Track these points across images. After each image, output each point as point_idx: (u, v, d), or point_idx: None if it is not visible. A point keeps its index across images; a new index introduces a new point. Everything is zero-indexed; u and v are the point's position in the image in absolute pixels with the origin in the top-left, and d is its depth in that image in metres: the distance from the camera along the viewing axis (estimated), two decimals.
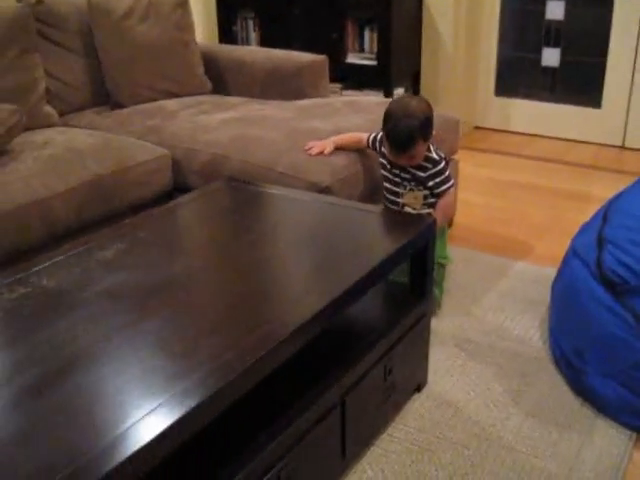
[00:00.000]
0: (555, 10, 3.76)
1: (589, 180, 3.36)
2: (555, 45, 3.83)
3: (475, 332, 2.08)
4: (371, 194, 2.13)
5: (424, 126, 1.81)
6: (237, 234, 1.65)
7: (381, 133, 1.94)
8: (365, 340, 1.53)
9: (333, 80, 3.90)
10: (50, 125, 2.49)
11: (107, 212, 2.13)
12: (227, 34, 4.28)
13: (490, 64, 4.04)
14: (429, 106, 1.87)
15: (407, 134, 1.81)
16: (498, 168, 3.55)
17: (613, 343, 1.72)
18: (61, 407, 1.03)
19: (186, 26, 2.92)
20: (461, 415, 1.73)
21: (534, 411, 1.74)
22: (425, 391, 1.82)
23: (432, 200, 1.95)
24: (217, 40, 4.31)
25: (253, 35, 4.24)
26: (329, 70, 3.70)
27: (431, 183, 1.92)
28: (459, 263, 2.48)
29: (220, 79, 3.05)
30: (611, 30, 3.61)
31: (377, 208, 1.81)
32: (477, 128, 4.17)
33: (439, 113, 2.63)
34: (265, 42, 4.15)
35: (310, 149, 2.09)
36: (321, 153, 2.07)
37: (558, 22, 3.78)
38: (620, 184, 2.24)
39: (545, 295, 2.18)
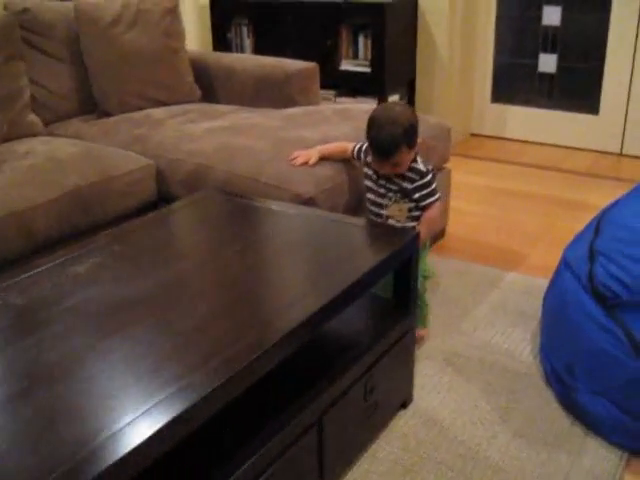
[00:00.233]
0: (552, 16, 3.71)
1: (586, 188, 3.30)
2: (552, 51, 3.78)
3: (464, 346, 2.03)
4: (356, 205, 2.08)
5: (408, 133, 1.76)
6: (214, 247, 1.60)
7: (366, 143, 1.90)
8: (345, 357, 1.48)
9: (327, 87, 3.87)
10: (35, 134, 2.45)
11: (90, 223, 2.09)
12: (221, 41, 4.25)
13: (486, 70, 4.00)
14: (414, 113, 1.83)
15: (390, 141, 1.76)
16: (493, 176, 3.50)
17: (604, 360, 1.67)
18: (22, 428, 0.99)
19: (175, 33, 2.88)
20: (447, 434, 1.68)
21: (522, 430, 1.69)
22: (411, 408, 1.77)
23: (417, 213, 1.90)
24: (211, 47, 4.29)
25: (247, 42, 4.21)
26: (323, 77, 3.67)
27: (417, 195, 1.87)
28: (450, 275, 2.43)
29: (210, 87, 3.01)
30: (608, 35, 3.56)
31: (360, 220, 1.76)
32: (473, 135, 4.13)
33: (431, 120, 2.60)
34: (259, 49, 4.11)
35: (294, 159, 2.04)
36: (305, 163, 2.03)
37: (555, 28, 3.74)
38: (618, 192, 2.19)
39: (537, 307, 2.12)
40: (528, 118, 3.95)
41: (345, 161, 2.08)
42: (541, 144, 3.91)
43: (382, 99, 3.69)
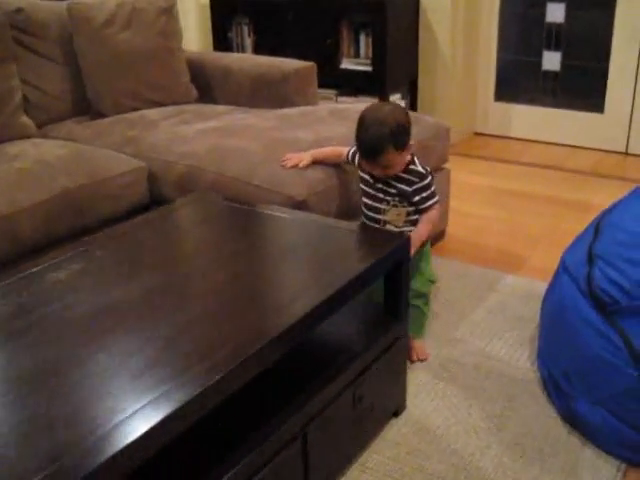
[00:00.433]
0: (555, 13, 3.65)
1: (590, 188, 3.24)
2: (556, 49, 3.72)
3: (460, 352, 1.98)
4: (348, 209, 2.03)
5: (395, 134, 1.70)
6: (197, 252, 1.57)
7: None
8: (331, 367, 1.44)
9: (328, 86, 3.83)
10: (27, 136, 2.42)
11: (79, 226, 2.06)
12: (222, 41, 4.21)
13: (489, 69, 3.94)
14: (404, 114, 1.77)
15: (376, 141, 1.71)
16: (496, 176, 3.45)
17: (601, 368, 1.62)
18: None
19: (171, 33, 2.85)
20: (439, 443, 1.64)
21: (517, 439, 1.64)
22: (403, 416, 1.73)
23: (415, 217, 1.84)
24: (212, 47, 4.25)
25: (248, 41, 4.17)
26: (324, 76, 3.63)
27: (417, 198, 1.82)
28: (448, 277, 2.39)
29: (207, 87, 2.97)
30: (613, 32, 3.49)
31: (350, 224, 1.71)
32: (477, 134, 4.07)
33: (429, 120, 2.55)
34: (260, 48, 4.08)
35: (285, 161, 2.00)
36: (296, 166, 1.99)
37: (558, 25, 3.67)
38: (623, 192, 2.12)
39: (536, 311, 2.07)
40: (532, 117, 3.89)
41: (338, 165, 2.03)
42: (545, 143, 3.84)
43: (384, 98, 3.64)
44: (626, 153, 3.65)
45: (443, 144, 2.49)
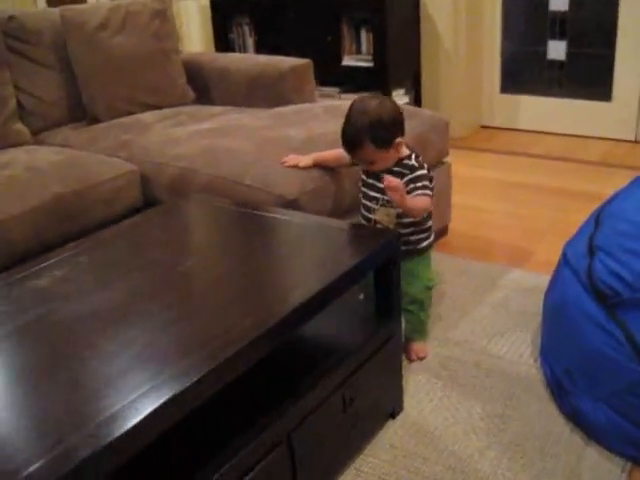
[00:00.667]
0: (559, 1, 3.57)
1: (600, 178, 3.16)
2: (561, 37, 3.64)
3: (461, 349, 1.93)
4: (341, 207, 1.99)
5: (375, 127, 1.64)
6: (188, 252, 1.53)
7: None
8: (319, 367, 1.40)
9: (331, 84, 3.79)
10: (21, 144, 2.41)
11: (73, 232, 2.02)
12: (223, 41, 4.19)
13: (494, 60, 3.87)
14: (393, 110, 1.69)
15: (354, 133, 1.66)
16: (503, 169, 3.38)
17: (603, 363, 1.56)
18: None
19: (166, 35, 2.82)
20: (437, 444, 1.59)
21: (518, 439, 1.59)
22: (400, 417, 1.68)
23: (406, 220, 1.77)
24: (213, 48, 4.23)
25: (249, 41, 4.15)
26: (326, 74, 3.60)
27: (408, 188, 1.74)
28: (451, 274, 2.33)
29: (205, 88, 2.95)
30: (618, 19, 3.41)
31: (338, 222, 1.66)
32: (483, 127, 4.00)
33: (426, 113, 2.50)
34: (261, 47, 4.05)
35: (285, 162, 1.96)
36: (295, 166, 1.95)
37: (563, 13, 3.59)
38: None
39: (540, 306, 2.01)
40: (539, 108, 3.81)
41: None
42: (553, 134, 3.76)
43: (386, 94, 3.59)
44: (636, 141, 3.56)
45: (442, 137, 2.44)
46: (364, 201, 1.82)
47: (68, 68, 2.65)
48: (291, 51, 3.23)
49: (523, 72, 3.85)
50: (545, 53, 3.72)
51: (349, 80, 3.79)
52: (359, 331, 1.54)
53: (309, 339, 1.52)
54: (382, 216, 1.78)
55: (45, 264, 1.50)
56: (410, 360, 1.89)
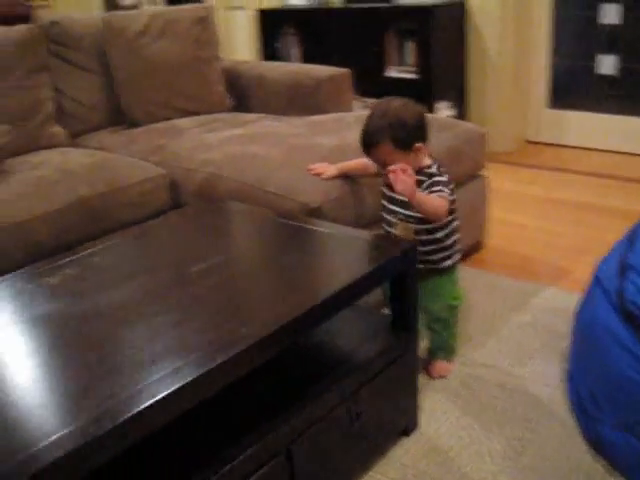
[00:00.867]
0: (611, 14, 3.46)
1: None
2: (611, 52, 3.52)
3: (484, 368, 1.86)
4: (364, 218, 1.94)
5: (394, 128, 1.59)
6: (192, 260, 1.51)
7: None
8: (325, 379, 1.36)
9: (374, 95, 3.75)
10: (57, 145, 2.45)
11: (98, 234, 2.04)
12: (270, 51, 4.22)
13: (541, 74, 3.77)
14: (416, 113, 1.65)
15: (372, 131, 1.62)
16: (546, 185, 3.28)
17: (630, 389, 1.46)
18: None
19: (206, 43, 2.85)
20: (450, 466, 1.53)
21: (534, 464, 1.51)
22: (414, 436, 1.62)
23: (425, 237, 1.70)
24: (260, 57, 4.27)
25: (295, 51, 4.16)
26: (369, 84, 3.57)
27: (423, 190, 1.68)
28: (482, 289, 2.26)
29: (244, 96, 2.96)
30: None
31: (353, 230, 1.62)
32: (529, 142, 3.90)
33: (462, 125, 2.44)
34: (307, 57, 4.06)
35: (311, 170, 1.94)
36: (319, 175, 1.92)
37: (614, 27, 3.48)
38: None
39: (570, 326, 1.93)
40: (587, 123, 3.69)
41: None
42: (600, 151, 3.64)
43: (430, 106, 3.54)
44: None
45: (477, 150, 2.38)
46: (385, 215, 1.77)
47: (108, 73, 2.70)
48: (335, 61, 3.21)
49: (571, 87, 3.74)
50: (594, 68, 3.60)
51: (392, 91, 3.71)
52: (371, 343, 1.50)
53: (318, 348, 1.48)
54: (401, 231, 1.72)
55: (58, 263, 1.51)
56: (431, 377, 1.83)
